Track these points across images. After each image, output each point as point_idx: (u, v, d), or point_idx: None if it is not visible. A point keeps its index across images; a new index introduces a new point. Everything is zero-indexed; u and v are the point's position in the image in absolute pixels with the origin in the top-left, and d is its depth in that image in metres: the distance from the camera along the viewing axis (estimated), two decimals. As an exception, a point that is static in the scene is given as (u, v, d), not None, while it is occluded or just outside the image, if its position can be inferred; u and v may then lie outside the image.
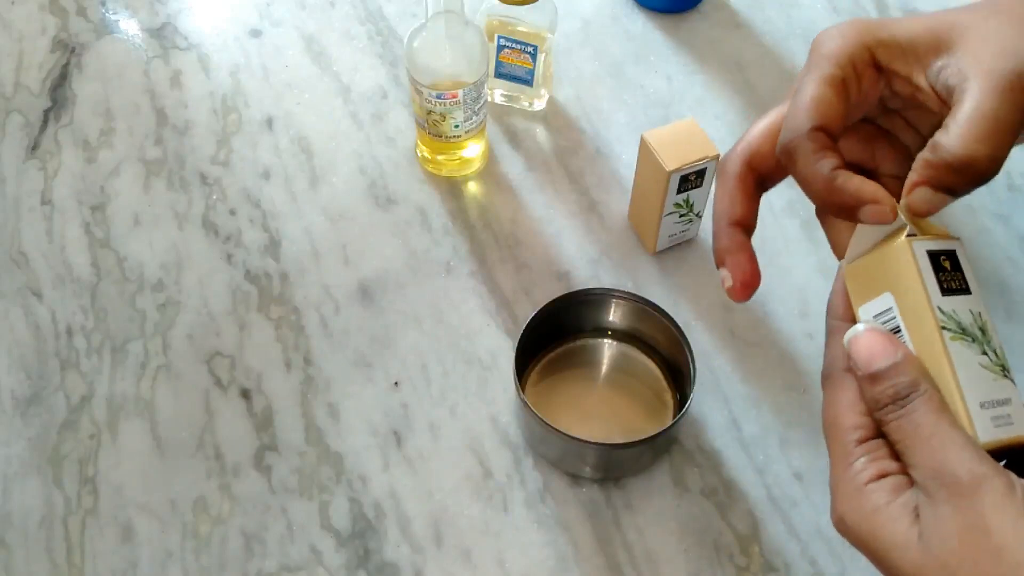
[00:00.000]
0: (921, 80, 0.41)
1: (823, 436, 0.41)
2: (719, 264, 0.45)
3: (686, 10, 0.89)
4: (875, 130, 0.46)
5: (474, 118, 0.74)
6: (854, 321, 0.42)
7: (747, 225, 0.45)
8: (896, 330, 0.39)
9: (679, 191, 0.68)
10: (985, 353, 0.38)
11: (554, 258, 0.74)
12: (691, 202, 0.70)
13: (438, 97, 0.71)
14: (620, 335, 0.69)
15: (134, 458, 0.65)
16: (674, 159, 0.66)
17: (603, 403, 0.67)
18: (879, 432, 0.39)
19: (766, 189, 0.46)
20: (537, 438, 0.64)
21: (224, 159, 0.80)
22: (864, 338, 0.39)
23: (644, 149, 0.68)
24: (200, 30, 0.89)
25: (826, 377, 0.42)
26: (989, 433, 0.37)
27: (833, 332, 0.42)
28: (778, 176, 0.46)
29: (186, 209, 0.77)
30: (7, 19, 0.89)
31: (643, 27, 0.88)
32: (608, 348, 0.69)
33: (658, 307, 0.65)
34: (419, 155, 0.79)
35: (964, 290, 0.39)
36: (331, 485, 0.64)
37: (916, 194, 0.39)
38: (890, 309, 0.39)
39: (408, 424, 0.66)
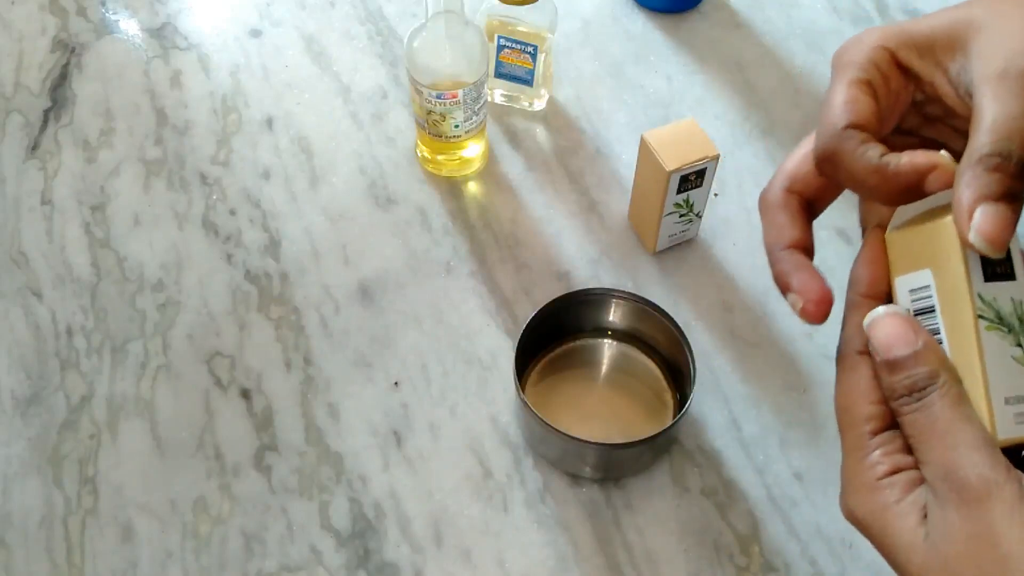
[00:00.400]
0: (943, 83, 0.39)
1: (835, 419, 0.40)
2: (784, 290, 0.41)
3: (686, 10, 0.89)
4: (921, 143, 0.43)
5: (474, 118, 0.74)
6: (878, 297, 0.40)
7: (804, 247, 0.42)
8: (931, 309, 0.38)
9: (679, 191, 0.68)
10: (1020, 345, 0.37)
11: (554, 258, 0.74)
12: (691, 202, 0.70)
13: (438, 97, 0.71)
14: (620, 335, 0.69)
15: (134, 458, 0.65)
16: (674, 159, 0.66)
17: (603, 403, 0.67)
18: (893, 421, 0.38)
19: (815, 215, 0.44)
20: (537, 438, 0.64)
21: (224, 159, 0.80)
22: (884, 322, 0.38)
23: (644, 149, 0.68)
24: (200, 30, 0.89)
25: (842, 356, 0.40)
26: (1010, 430, 0.36)
27: (853, 307, 0.40)
28: (825, 198, 0.43)
29: (186, 209, 0.77)
30: (7, 19, 0.89)
31: (643, 27, 0.88)
32: (608, 348, 0.69)
33: (658, 307, 0.65)
34: (419, 155, 0.79)
35: (1009, 276, 0.37)
36: (331, 485, 0.64)
37: (982, 216, 0.34)
38: (928, 287, 0.38)
39: (408, 424, 0.66)
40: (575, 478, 0.64)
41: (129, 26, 0.89)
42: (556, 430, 0.59)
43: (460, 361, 0.69)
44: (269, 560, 0.62)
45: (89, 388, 0.68)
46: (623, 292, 0.67)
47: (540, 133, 0.81)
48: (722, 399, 0.67)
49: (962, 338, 0.37)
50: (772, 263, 0.42)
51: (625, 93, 0.84)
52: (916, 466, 0.37)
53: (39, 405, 0.68)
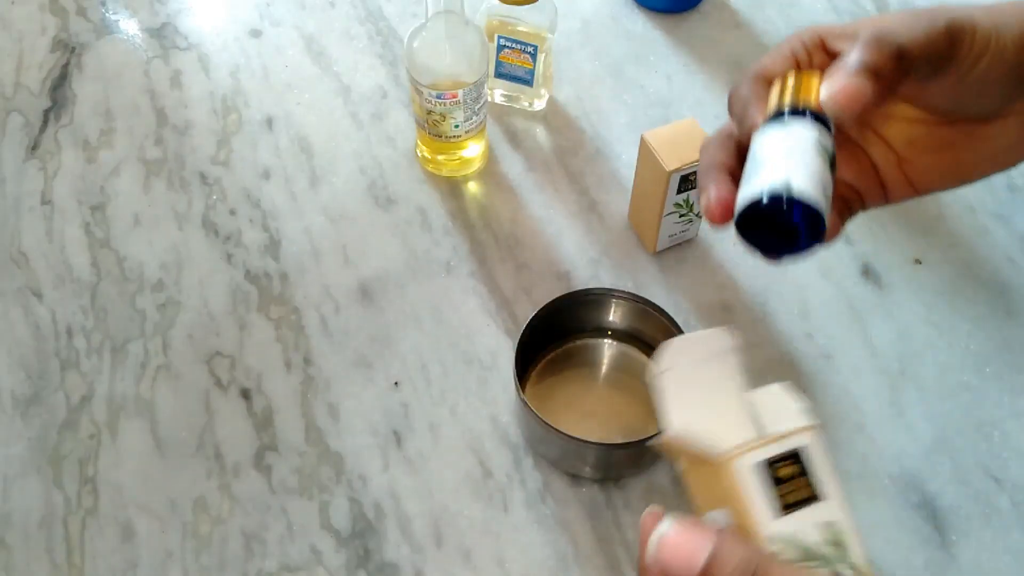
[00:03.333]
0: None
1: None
2: (704, 185, 0.42)
3: (686, 10, 0.89)
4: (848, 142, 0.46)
5: (474, 118, 0.74)
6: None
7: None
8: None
9: (679, 191, 0.68)
10: (838, 573, 0.33)
11: (554, 258, 0.74)
12: (691, 202, 0.70)
13: (438, 97, 0.71)
14: (620, 335, 0.69)
15: (134, 458, 0.65)
16: (674, 159, 0.66)
17: (603, 403, 0.67)
18: None
19: None
20: (537, 438, 0.64)
21: (224, 159, 0.80)
22: (671, 541, 0.34)
23: (644, 149, 0.68)
24: (200, 30, 0.89)
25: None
26: None
27: None
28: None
29: (186, 209, 0.77)
30: (7, 19, 0.89)
31: (643, 27, 0.88)
32: (608, 348, 0.69)
33: (658, 307, 0.65)
34: (419, 155, 0.79)
35: (812, 499, 0.34)
36: (331, 485, 0.64)
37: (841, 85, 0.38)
38: (731, 524, 0.35)
39: (408, 424, 0.66)
40: (575, 478, 0.64)
41: (129, 26, 0.89)
42: (556, 430, 0.59)
43: (460, 361, 0.69)
44: (269, 560, 0.62)
45: (89, 388, 0.68)
46: (623, 292, 0.66)
47: (540, 133, 0.81)
48: (722, 399, 0.67)
49: None
50: (706, 147, 0.43)
51: (625, 93, 0.84)
52: None
53: (39, 405, 0.68)
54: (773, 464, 0.34)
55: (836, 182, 0.42)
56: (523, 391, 0.63)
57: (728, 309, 0.71)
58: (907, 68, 0.38)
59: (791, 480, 0.34)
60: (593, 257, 0.74)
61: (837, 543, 0.34)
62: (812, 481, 0.34)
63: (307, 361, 0.69)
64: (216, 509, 0.63)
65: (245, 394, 0.68)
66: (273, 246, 0.75)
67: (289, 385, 0.68)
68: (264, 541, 0.62)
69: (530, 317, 0.64)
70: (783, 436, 0.34)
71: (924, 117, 0.44)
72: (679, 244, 0.74)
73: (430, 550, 0.62)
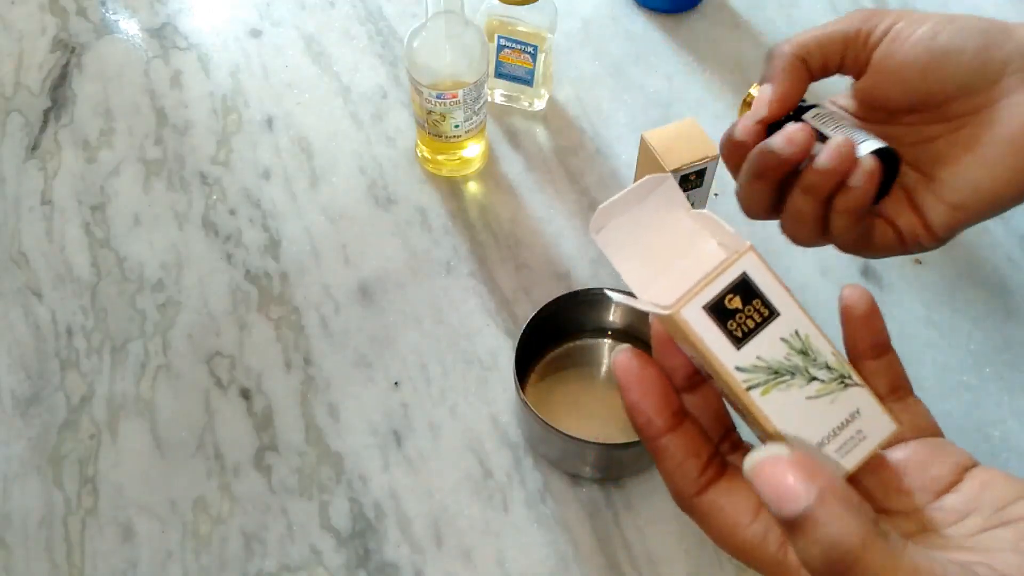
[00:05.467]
0: None
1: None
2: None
3: (686, 10, 0.89)
4: None
5: (474, 118, 0.74)
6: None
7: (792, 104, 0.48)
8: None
9: (679, 191, 0.68)
10: (814, 379, 0.33)
11: (554, 258, 0.74)
12: (691, 202, 0.70)
13: (438, 97, 0.71)
14: (620, 335, 0.69)
15: (134, 458, 0.65)
16: (674, 159, 0.66)
17: (603, 403, 0.67)
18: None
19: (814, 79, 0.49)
20: (537, 438, 0.64)
21: (224, 159, 0.80)
22: (773, 471, 0.28)
23: (644, 149, 0.68)
24: (200, 30, 0.89)
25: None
26: (844, 467, 0.33)
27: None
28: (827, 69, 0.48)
29: (186, 209, 0.77)
30: (7, 19, 0.90)
31: (643, 27, 0.88)
32: (608, 348, 0.69)
33: (658, 307, 0.65)
34: (419, 155, 0.79)
35: (767, 318, 0.33)
36: (331, 485, 0.64)
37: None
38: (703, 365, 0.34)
39: (408, 424, 0.67)
40: (575, 478, 0.64)
41: (129, 26, 0.89)
42: (556, 430, 0.59)
43: (460, 361, 0.69)
44: (269, 560, 0.62)
45: (89, 388, 0.68)
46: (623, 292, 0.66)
47: (540, 133, 0.81)
48: (722, 399, 0.67)
49: (749, 414, 0.33)
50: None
51: (625, 93, 0.84)
52: None
53: (39, 405, 0.68)
54: (721, 301, 0.33)
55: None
56: (523, 391, 0.63)
57: (728, 309, 0.71)
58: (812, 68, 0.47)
59: (743, 309, 0.33)
60: (593, 257, 0.74)
61: (804, 351, 0.33)
62: (764, 301, 0.34)
63: (307, 361, 0.69)
64: (216, 509, 0.63)
65: (245, 394, 0.68)
66: (273, 246, 0.75)
67: (289, 385, 0.68)
68: (264, 541, 0.62)
69: (530, 317, 0.64)
70: (720, 270, 0.33)
71: (938, 130, 0.46)
72: (679, 244, 0.74)
73: (430, 550, 0.62)
